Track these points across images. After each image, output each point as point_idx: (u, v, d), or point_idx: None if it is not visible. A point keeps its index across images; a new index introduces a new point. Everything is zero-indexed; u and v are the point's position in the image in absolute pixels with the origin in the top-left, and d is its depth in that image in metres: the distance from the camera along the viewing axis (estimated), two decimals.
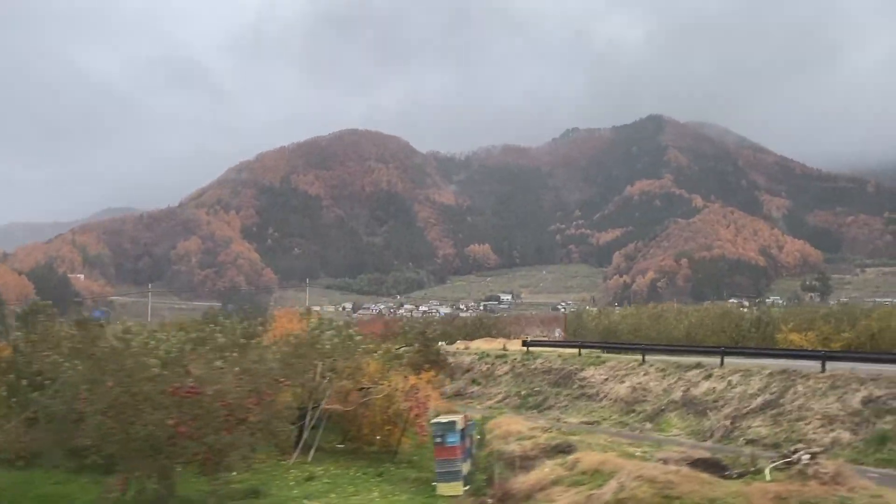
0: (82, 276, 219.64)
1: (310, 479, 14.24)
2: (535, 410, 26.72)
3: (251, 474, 14.13)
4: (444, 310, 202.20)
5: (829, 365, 20.68)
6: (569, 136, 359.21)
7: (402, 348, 27.74)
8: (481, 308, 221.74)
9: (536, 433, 18.16)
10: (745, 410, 20.08)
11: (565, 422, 24.01)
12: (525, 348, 34.28)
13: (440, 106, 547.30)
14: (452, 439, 13.84)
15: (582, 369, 27.89)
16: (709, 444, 19.05)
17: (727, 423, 19.96)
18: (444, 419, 14.55)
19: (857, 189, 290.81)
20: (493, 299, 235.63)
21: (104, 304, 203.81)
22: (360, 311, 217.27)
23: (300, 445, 16.27)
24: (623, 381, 25.35)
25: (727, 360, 23.91)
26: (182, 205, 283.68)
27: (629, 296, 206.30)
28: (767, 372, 21.58)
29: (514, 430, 18.48)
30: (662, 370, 24.92)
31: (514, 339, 45.16)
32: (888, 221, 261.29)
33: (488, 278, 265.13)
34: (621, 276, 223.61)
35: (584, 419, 24.17)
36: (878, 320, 30.36)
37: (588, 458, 13.75)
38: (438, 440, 13.93)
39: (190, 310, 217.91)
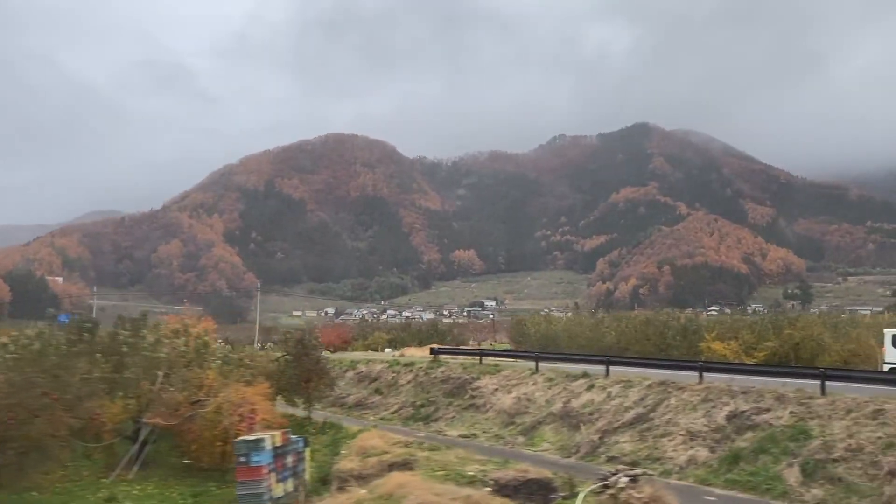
0: (61, 279, 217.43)
1: (110, 500, 13.21)
2: (422, 422, 25.60)
3: (51, 495, 13.07)
4: (428, 315, 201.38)
5: (713, 376, 19.76)
6: (555, 143, 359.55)
7: (282, 357, 26.36)
8: (465, 314, 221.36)
9: (394, 448, 17.16)
10: (616, 424, 19.13)
11: (445, 434, 22.95)
12: (433, 356, 32.89)
13: (428, 111, 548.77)
14: (258, 458, 12.86)
15: (477, 378, 26.84)
16: (573, 460, 18.14)
17: (596, 437, 19.00)
18: (251, 437, 13.56)
19: (840, 198, 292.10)
20: (477, 305, 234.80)
21: (82, 307, 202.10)
22: (343, 317, 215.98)
23: (125, 461, 15.25)
24: (511, 392, 24.40)
25: (614, 369, 23.01)
26: (165, 208, 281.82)
27: (612, 302, 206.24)
28: (648, 383, 20.62)
29: (371, 445, 17.48)
30: (550, 380, 23.93)
31: (464, 346, 44.25)
32: (870, 230, 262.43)
33: (473, 284, 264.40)
34: (604, 283, 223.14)
35: (465, 432, 23.00)
36: (801, 329, 29.65)
37: (391, 481, 12.79)
38: (242, 460, 12.95)
39: (170, 314, 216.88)
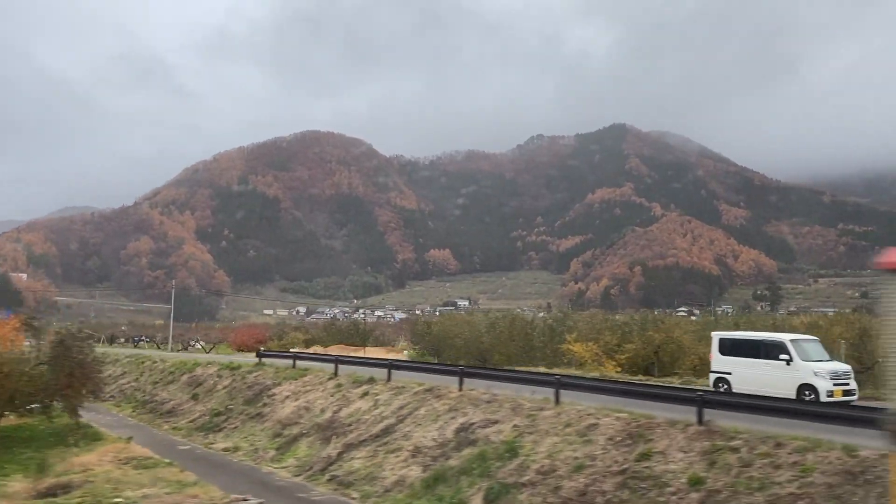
0: (25, 276, 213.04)
1: None
2: (211, 432, 23.84)
3: None
4: (400, 315, 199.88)
5: (475, 382, 18.05)
6: (533, 143, 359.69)
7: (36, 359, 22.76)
8: (437, 314, 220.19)
9: (99, 466, 15.52)
10: (364, 437, 17.68)
11: (212, 447, 21.41)
12: (258, 359, 30.20)
13: (407, 109, 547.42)
14: None
15: (278, 384, 24.87)
16: (300, 479, 16.74)
17: (335, 452, 17.56)
18: None
19: (813, 200, 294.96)
20: (451, 305, 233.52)
21: (48, 304, 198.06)
22: (314, 316, 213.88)
23: None
24: (297, 400, 22.70)
25: (401, 373, 21.42)
26: (137, 205, 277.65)
27: (583, 303, 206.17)
28: (415, 390, 19.04)
29: (80, 462, 15.77)
30: (339, 386, 22.20)
31: (384, 347, 42.62)
32: (841, 233, 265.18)
33: (448, 284, 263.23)
34: (577, 283, 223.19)
35: (231, 444, 21.38)
36: (664, 331, 28.52)
37: None
38: None
39: (138, 311, 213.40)
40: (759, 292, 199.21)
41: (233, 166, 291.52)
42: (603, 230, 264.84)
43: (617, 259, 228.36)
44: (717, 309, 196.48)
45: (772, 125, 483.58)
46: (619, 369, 25.74)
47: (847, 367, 18.94)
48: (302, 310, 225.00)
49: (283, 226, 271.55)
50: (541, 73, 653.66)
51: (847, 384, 18.19)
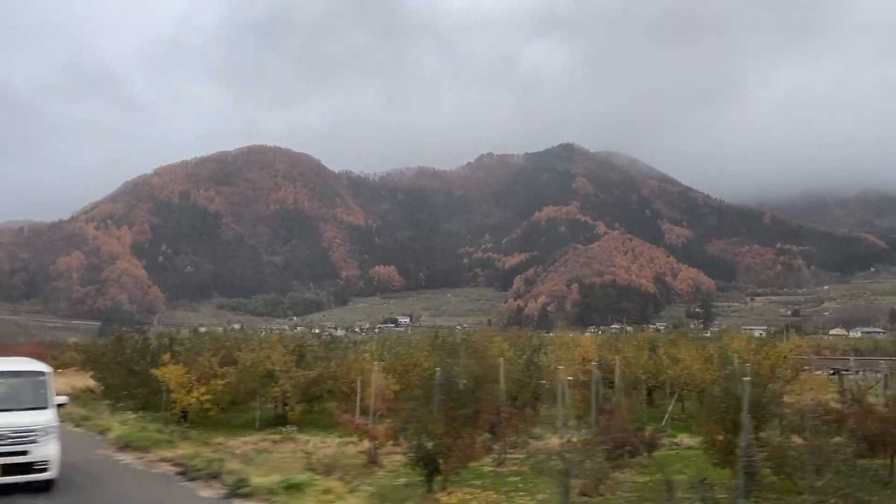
0: None
1: None
2: None
3: None
4: (339, 332, 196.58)
5: None
6: (483, 161, 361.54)
7: None
8: (376, 331, 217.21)
9: None
10: None
11: None
12: None
13: (361, 124, 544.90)
14: None
15: None
16: None
17: None
18: None
19: (754, 220, 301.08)
20: (391, 322, 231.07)
21: None
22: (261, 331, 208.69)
23: None
24: None
25: None
26: (73, 219, 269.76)
27: (521, 320, 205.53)
28: None
29: None
30: None
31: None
32: (779, 252, 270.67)
33: (392, 300, 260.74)
34: (515, 300, 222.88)
35: None
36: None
37: None
38: None
39: (66, 329, 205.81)
40: (692, 310, 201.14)
41: (174, 180, 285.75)
42: (548, 248, 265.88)
43: (557, 276, 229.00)
44: (651, 326, 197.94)
45: (718, 146, 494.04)
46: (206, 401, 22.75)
47: (34, 422, 11.01)
48: (237, 327, 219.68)
49: (223, 241, 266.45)
50: (496, 90, 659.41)
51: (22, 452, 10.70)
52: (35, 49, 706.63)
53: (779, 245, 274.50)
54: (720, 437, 12.59)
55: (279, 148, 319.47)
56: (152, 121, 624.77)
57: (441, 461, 11.78)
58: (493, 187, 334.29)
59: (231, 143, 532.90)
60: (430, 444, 11.78)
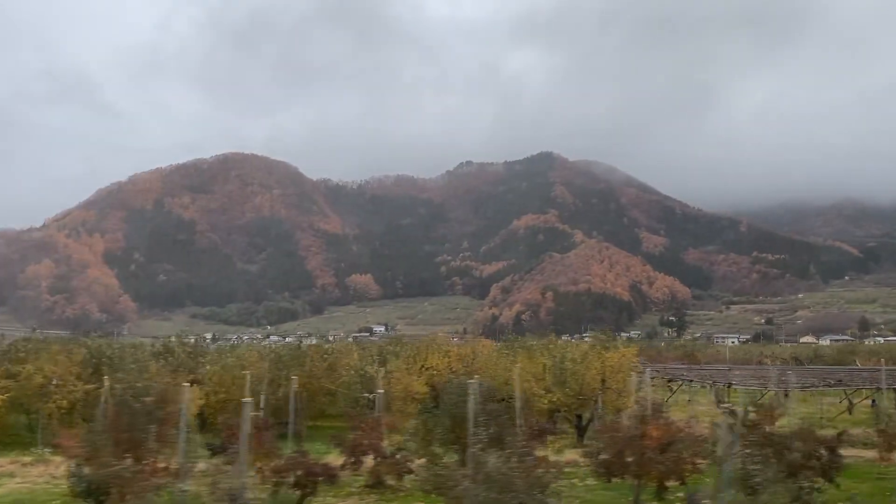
0: None
1: None
2: None
3: None
4: (312, 341, 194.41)
5: None
6: (462, 169, 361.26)
7: None
8: (350, 339, 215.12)
9: None
10: None
11: None
12: None
13: (341, 132, 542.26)
14: None
15: None
16: None
17: None
18: None
19: (731, 229, 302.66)
20: (366, 331, 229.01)
21: None
22: (220, 343, 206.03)
23: None
24: None
25: None
26: (44, 226, 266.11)
27: (496, 328, 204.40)
28: None
29: None
30: None
31: None
32: (755, 260, 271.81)
33: (368, 309, 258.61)
34: (490, 309, 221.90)
35: None
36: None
37: None
38: None
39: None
40: (666, 318, 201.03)
41: (149, 188, 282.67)
42: (525, 256, 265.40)
43: (533, 285, 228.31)
44: (624, 334, 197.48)
45: (697, 155, 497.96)
46: None
47: None
48: (209, 336, 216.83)
49: (197, 250, 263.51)
50: (477, 98, 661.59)
51: None
52: (9, 54, 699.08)
53: (755, 254, 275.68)
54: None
55: (256, 156, 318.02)
56: (129, 128, 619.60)
57: (108, 491, 9.96)
58: (472, 196, 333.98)
59: (209, 150, 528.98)
60: (90, 472, 10.10)
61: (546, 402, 21.14)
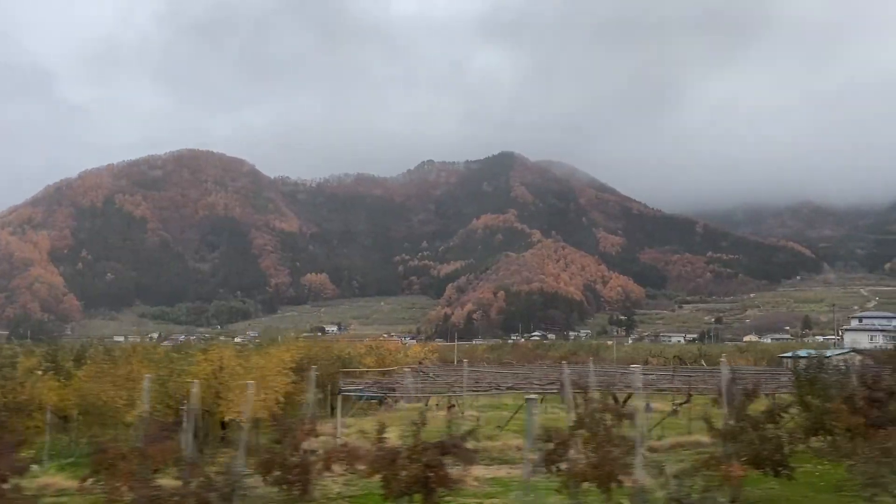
0: None
1: None
2: None
3: None
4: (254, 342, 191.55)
5: None
6: (423, 168, 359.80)
7: None
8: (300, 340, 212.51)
9: None
10: None
11: None
12: None
13: (302, 129, 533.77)
14: None
15: None
16: None
17: None
18: None
19: (687, 230, 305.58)
20: (319, 331, 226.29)
21: None
22: (167, 343, 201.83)
23: None
24: None
25: None
26: None
27: (448, 328, 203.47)
28: None
29: None
30: None
31: None
32: (710, 260, 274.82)
33: (322, 309, 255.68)
34: (443, 308, 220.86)
35: None
36: None
37: None
38: None
39: None
40: (614, 317, 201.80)
41: (99, 184, 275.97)
42: (483, 256, 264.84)
43: (487, 284, 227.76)
44: (574, 333, 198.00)
45: (657, 156, 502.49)
46: None
47: None
48: (155, 335, 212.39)
49: (148, 248, 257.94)
50: (442, 97, 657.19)
51: None
52: None
53: (709, 254, 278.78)
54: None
55: (212, 153, 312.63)
56: (87, 123, 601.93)
57: None
58: (432, 195, 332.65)
59: (169, 146, 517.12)
60: None
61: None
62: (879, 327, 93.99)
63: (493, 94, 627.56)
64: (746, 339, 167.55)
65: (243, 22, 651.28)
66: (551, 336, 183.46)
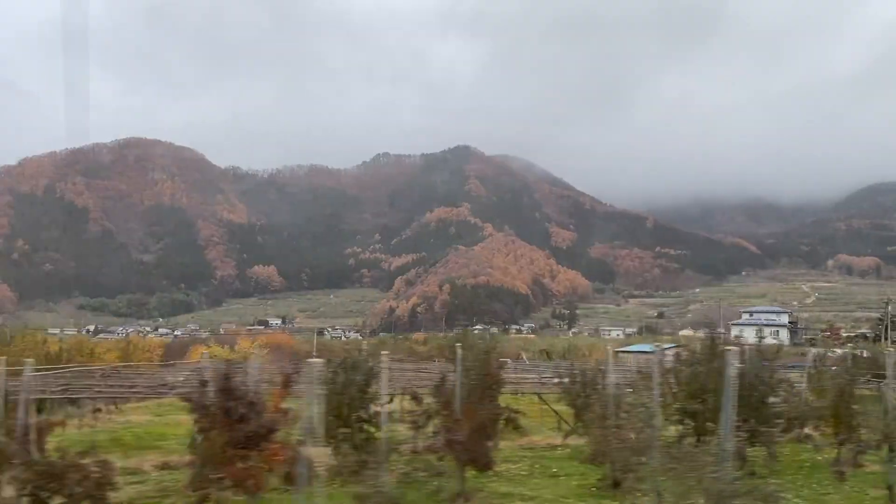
0: None
1: None
2: None
3: None
4: (204, 335, 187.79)
5: None
6: (379, 161, 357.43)
7: None
8: (244, 333, 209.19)
9: None
10: None
11: None
12: None
13: (255, 118, 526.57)
14: None
15: None
16: None
17: None
18: None
19: (637, 225, 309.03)
20: (262, 324, 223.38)
21: None
22: (103, 335, 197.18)
23: None
24: None
25: None
26: None
27: (393, 321, 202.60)
28: None
29: None
30: None
31: None
32: (658, 255, 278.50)
33: (269, 301, 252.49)
34: (388, 302, 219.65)
35: None
36: None
37: None
38: None
39: None
40: (556, 312, 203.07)
41: (40, 172, 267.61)
42: (435, 249, 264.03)
43: (435, 277, 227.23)
44: (519, 327, 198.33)
45: (612, 152, 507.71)
46: None
47: None
48: (91, 328, 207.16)
49: (90, 238, 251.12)
50: (400, 89, 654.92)
51: None
52: None
53: (658, 249, 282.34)
54: None
55: (159, 141, 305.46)
56: (27, 108, 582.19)
57: None
58: (387, 187, 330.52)
59: (114, 134, 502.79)
60: None
61: None
62: (765, 321, 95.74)
63: (452, 87, 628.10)
64: (682, 333, 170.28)
65: (196, 5, 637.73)
66: (493, 330, 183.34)
